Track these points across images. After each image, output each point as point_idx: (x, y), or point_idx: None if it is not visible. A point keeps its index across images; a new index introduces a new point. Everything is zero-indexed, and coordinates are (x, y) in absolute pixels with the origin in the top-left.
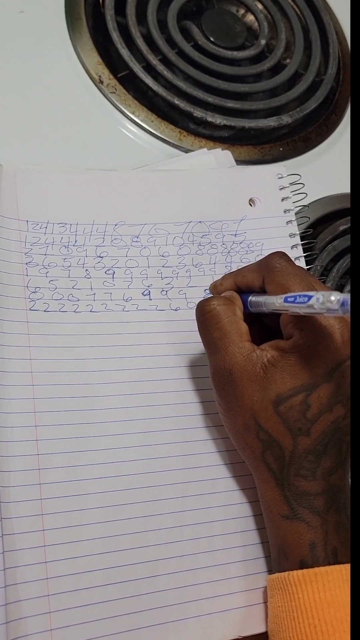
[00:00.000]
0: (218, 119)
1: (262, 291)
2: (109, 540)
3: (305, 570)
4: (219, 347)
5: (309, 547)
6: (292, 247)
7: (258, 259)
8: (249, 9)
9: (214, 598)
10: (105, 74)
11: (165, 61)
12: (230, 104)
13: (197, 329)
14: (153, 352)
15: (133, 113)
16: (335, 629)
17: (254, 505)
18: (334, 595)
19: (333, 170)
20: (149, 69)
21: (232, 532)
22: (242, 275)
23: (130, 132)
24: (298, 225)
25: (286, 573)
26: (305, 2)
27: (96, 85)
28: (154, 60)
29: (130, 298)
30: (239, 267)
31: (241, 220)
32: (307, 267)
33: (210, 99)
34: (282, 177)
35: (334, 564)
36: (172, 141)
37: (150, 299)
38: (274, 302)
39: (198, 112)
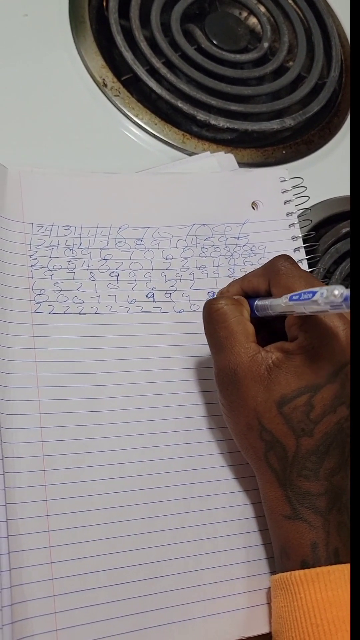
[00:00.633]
0: (221, 122)
1: (269, 295)
2: (113, 541)
3: (307, 570)
4: (224, 347)
5: (310, 547)
6: (295, 250)
7: (261, 262)
8: (251, 12)
9: (218, 599)
10: (109, 77)
11: (169, 64)
12: (233, 106)
13: (200, 331)
14: (157, 354)
15: (137, 116)
16: (338, 628)
17: (258, 507)
18: (336, 595)
19: (335, 173)
20: (153, 72)
21: (235, 533)
22: (248, 280)
23: (134, 134)
24: (300, 228)
25: (288, 573)
26: (307, 5)
27: (100, 89)
28: (157, 64)
29: (134, 300)
30: (242, 270)
31: (244, 223)
32: (310, 269)
33: (214, 101)
34: (285, 180)
35: (336, 564)
36: (176, 144)
37: (154, 301)
38: (279, 303)
39: (201, 115)
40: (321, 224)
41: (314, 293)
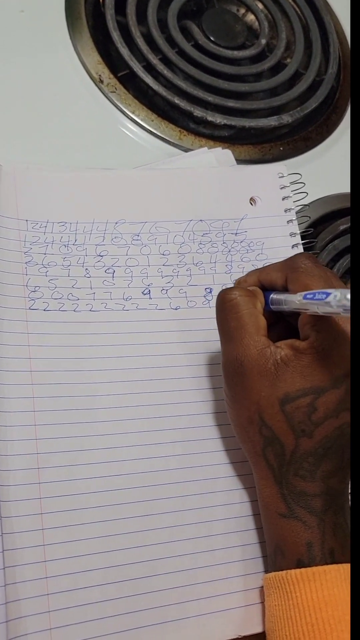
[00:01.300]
0: (218, 119)
1: (285, 290)
2: (108, 539)
3: (303, 570)
4: (234, 337)
5: (305, 547)
6: (293, 246)
7: (259, 257)
8: (249, 9)
9: (213, 597)
10: (106, 74)
11: (166, 60)
12: (231, 103)
13: (197, 328)
14: (153, 351)
15: (133, 112)
16: (333, 628)
17: (254, 505)
18: (332, 595)
19: (333, 169)
20: (149, 68)
21: (231, 531)
22: (267, 272)
23: (131, 131)
24: (298, 224)
25: (284, 572)
26: (305, 2)
27: (96, 85)
28: (154, 60)
29: (130, 297)
30: (240, 266)
31: (242, 219)
32: None
33: (211, 98)
34: (283, 177)
35: (331, 564)
36: (172, 140)
37: (150, 298)
38: (294, 299)
39: (198, 112)
40: (319, 221)
41: (327, 294)
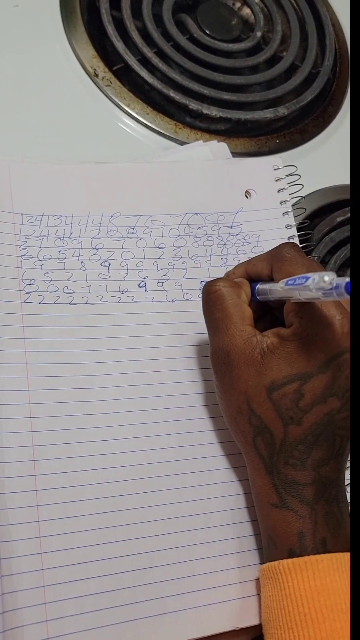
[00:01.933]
0: (214, 112)
1: (271, 280)
2: (105, 531)
3: (295, 559)
4: (220, 328)
5: (297, 537)
6: (289, 238)
7: (254, 250)
8: (244, 2)
9: (210, 589)
10: (101, 67)
11: (161, 54)
12: (226, 96)
13: (193, 320)
14: (149, 343)
15: (128, 106)
16: (325, 617)
17: (250, 497)
18: (324, 584)
19: (330, 162)
20: (145, 62)
21: (229, 523)
22: (253, 264)
23: (126, 125)
24: (295, 216)
25: (276, 562)
26: None
27: (91, 79)
28: (149, 53)
29: (126, 290)
30: (235, 259)
31: (237, 212)
32: None
33: (206, 91)
34: (279, 169)
35: (323, 554)
36: (168, 134)
37: (146, 291)
38: (277, 287)
39: (194, 105)
40: (316, 213)
41: (307, 278)
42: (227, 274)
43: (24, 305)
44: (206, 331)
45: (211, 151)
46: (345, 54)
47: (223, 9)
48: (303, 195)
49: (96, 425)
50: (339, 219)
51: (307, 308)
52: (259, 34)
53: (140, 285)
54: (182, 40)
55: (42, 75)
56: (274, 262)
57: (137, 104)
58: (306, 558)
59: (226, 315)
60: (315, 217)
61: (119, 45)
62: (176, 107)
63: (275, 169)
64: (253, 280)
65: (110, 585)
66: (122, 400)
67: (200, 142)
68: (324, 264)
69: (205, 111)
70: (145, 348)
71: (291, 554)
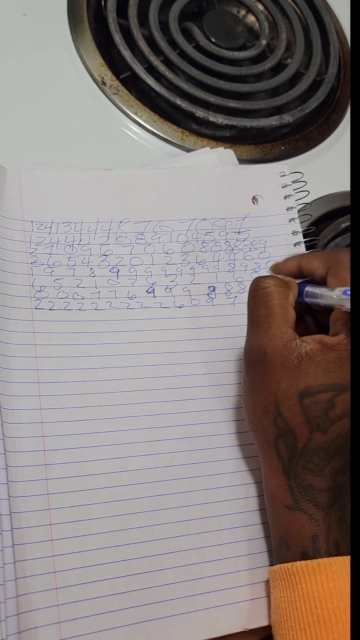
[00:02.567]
0: (220, 119)
1: (323, 282)
2: (116, 534)
3: (308, 561)
4: (262, 325)
5: (310, 539)
6: (295, 244)
7: (261, 256)
8: (249, 10)
9: (221, 591)
10: (108, 76)
11: (167, 62)
12: (232, 103)
13: (201, 326)
14: (158, 349)
15: (135, 114)
16: (338, 619)
17: (261, 500)
18: (337, 586)
19: (334, 168)
20: (151, 70)
21: (239, 526)
22: (308, 260)
23: (133, 132)
24: (300, 222)
25: (289, 564)
26: (305, 3)
27: (99, 87)
28: (155, 62)
29: (134, 296)
30: (243, 265)
31: (244, 218)
32: None
33: (212, 99)
34: (285, 175)
35: (336, 556)
36: (175, 141)
37: (154, 297)
38: (332, 294)
39: (200, 112)
40: (321, 219)
41: None
42: (276, 266)
43: (34, 311)
44: (214, 336)
45: (218, 158)
46: (349, 62)
47: (228, 17)
48: (308, 201)
49: (106, 430)
50: (343, 225)
51: (350, 323)
52: (264, 41)
53: (149, 291)
54: (188, 48)
55: (50, 84)
56: (331, 265)
57: (144, 111)
58: (319, 560)
59: (271, 314)
60: (320, 223)
61: (126, 54)
62: (182, 115)
63: (282, 176)
64: (303, 276)
65: (122, 587)
66: (132, 405)
67: (207, 148)
68: None
69: (211, 118)
70: (154, 353)
71: (304, 556)
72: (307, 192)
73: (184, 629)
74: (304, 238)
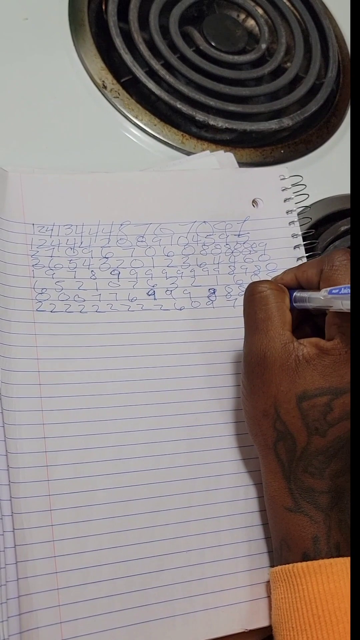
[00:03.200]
0: (220, 122)
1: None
2: (116, 535)
3: (309, 562)
4: (260, 329)
5: (311, 541)
6: (295, 247)
7: (261, 259)
8: (249, 14)
9: (220, 592)
10: (109, 79)
11: (168, 66)
12: (232, 107)
13: (201, 328)
14: (157, 350)
15: (136, 117)
16: (339, 619)
17: (261, 501)
18: (338, 587)
19: (334, 171)
20: (152, 73)
21: (238, 527)
22: (303, 270)
23: (134, 135)
24: (300, 225)
25: (290, 565)
26: (305, 7)
27: (100, 90)
28: (156, 65)
29: (135, 298)
30: (243, 268)
31: (244, 220)
32: None
33: (212, 102)
34: (285, 179)
35: (337, 557)
36: (175, 144)
37: (155, 299)
38: (318, 296)
39: (200, 116)
40: (320, 222)
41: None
42: (275, 279)
43: (36, 313)
44: (214, 338)
45: (218, 161)
46: (349, 65)
47: (228, 21)
48: (308, 204)
49: (107, 432)
50: (343, 228)
51: (350, 324)
52: (263, 45)
53: (149, 293)
54: (189, 52)
55: (51, 87)
56: (324, 269)
57: (144, 115)
58: (320, 561)
59: (269, 317)
60: (319, 226)
61: (127, 58)
62: (183, 118)
63: (281, 179)
64: (302, 286)
65: (122, 587)
66: (133, 406)
67: (207, 152)
68: None
69: (211, 122)
70: (155, 355)
71: (305, 558)
72: (307, 195)
73: (184, 630)
74: (303, 241)
